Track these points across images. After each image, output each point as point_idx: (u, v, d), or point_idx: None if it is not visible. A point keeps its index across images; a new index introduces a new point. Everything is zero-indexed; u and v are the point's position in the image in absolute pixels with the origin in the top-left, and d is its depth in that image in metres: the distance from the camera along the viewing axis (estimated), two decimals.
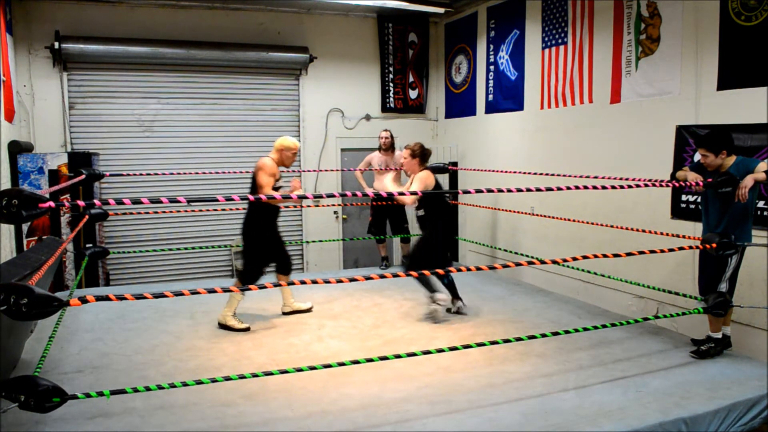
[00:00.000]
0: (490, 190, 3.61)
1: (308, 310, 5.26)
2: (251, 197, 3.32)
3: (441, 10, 8.17)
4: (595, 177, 5.19)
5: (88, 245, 6.11)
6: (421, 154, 5.00)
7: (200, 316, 5.16)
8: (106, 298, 2.78)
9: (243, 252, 4.98)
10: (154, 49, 7.44)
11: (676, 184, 4.14)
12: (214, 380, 3.09)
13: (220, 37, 7.78)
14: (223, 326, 4.82)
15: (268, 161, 4.84)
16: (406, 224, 7.22)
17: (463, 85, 8.48)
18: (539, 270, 6.89)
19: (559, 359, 4.08)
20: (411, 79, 8.98)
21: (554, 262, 3.58)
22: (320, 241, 8.12)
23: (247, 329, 4.78)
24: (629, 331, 4.60)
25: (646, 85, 5.57)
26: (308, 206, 8.20)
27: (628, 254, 3.71)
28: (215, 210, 7.56)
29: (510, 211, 7.02)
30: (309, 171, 8.35)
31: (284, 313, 5.23)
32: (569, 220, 5.91)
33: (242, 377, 3.17)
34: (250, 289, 3.19)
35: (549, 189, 3.66)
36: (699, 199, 4.65)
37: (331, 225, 8.68)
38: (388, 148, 7.16)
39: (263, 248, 4.92)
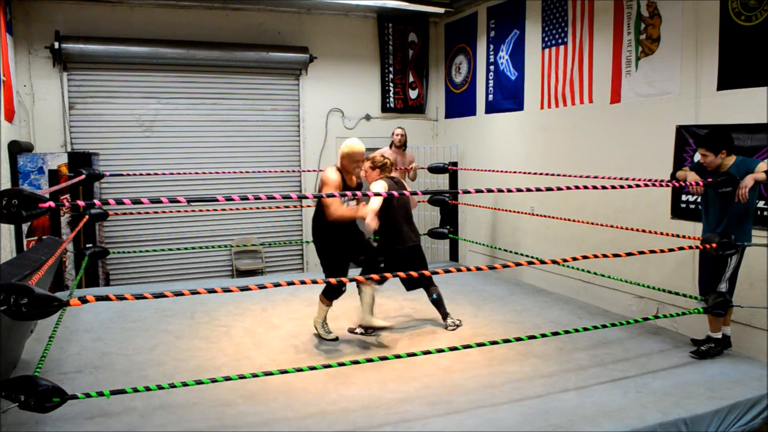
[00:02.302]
0: (490, 190, 3.61)
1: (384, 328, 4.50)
2: (251, 196, 3.28)
3: (441, 10, 8.17)
4: (595, 177, 5.19)
5: (88, 245, 6.11)
6: (381, 166, 4.78)
7: (200, 316, 5.16)
8: (106, 298, 2.78)
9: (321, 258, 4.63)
10: (154, 49, 7.44)
11: (676, 184, 4.14)
12: (214, 380, 3.09)
13: (220, 37, 7.78)
14: (316, 335, 4.60)
15: (330, 173, 4.33)
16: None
17: (463, 85, 8.48)
18: (539, 270, 6.89)
19: (559, 359, 4.08)
20: (411, 79, 8.98)
21: (554, 262, 3.58)
22: None
23: (336, 339, 4.56)
24: (629, 331, 4.60)
25: (646, 85, 5.57)
26: (308, 206, 8.19)
27: (628, 254, 3.71)
28: (215, 210, 7.56)
29: (510, 211, 7.02)
30: (309, 171, 8.35)
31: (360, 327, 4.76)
32: (569, 220, 5.90)
33: (242, 377, 3.17)
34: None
35: (549, 189, 3.66)
36: (699, 199, 4.66)
37: None
38: (401, 145, 7.16)
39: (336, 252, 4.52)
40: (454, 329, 4.78)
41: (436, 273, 3.32)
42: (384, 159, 4.82)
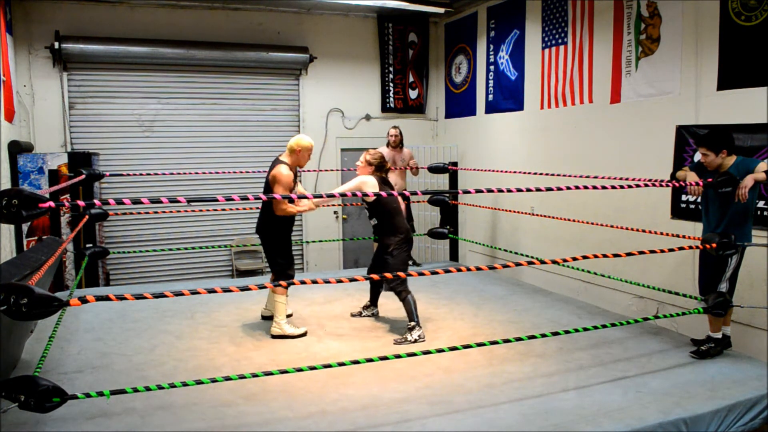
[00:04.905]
0: (490, 190, 3.61)
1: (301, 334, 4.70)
2: (251, 197, 3.30)
3: (441, 10, 8.17)
4: (595, 177, 5.19)
5: (88, 245, 6.10)
6: (378, 166, 4.77)
7: (200, 316, 5.16)
8: (106, 298, 2.78)
9: (269, 257, 4.78)
10: (154, 49, 7.44)
11: (676, 184, 4.15)
12: (214, 380, 3.09)
13: (220, 37, 7.79)
14: (280, 336, 4.60)
15: (284, 170, 4.54)
16: (411, 221, 7.22)
17: (463, 85, 8.48)
18: (539, 270, 6.89)
19: (559, 359, 4.08)
20: (411, 79, 8.98)
21: (554, 262, 3.58)
22: (320, 241, 8.12)
23: (304, 334, 4.65)
24: (629, 331, 4.60)
25: (646, 85, 5.57)
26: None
27: (628, 254, 3.71)
28: (215, 210, 7.56)
29: (510, 211, 7.02)
30: (309, 171, 8.35)
31: (263, 317, 5.05)
32: (569, 220, 5.91)
33: (242, 377, 3.17)
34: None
35: (549, 189, 3.66)
36: (699, 199, 4.66)
37: (331, 225, 8.68)
38: (397, 145, 7.18)
39: (285, 248, 4.77)
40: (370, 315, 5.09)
41: (436, 273, 3.32)
42: (383, 161, 4.82)
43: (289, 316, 4.94)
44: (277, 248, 4.74)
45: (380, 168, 4.79)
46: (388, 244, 4.69)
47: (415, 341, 4.45)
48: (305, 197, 4.10)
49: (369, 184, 4.64)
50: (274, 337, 4.61)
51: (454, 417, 3.24)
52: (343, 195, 3.66)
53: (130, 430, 3.13)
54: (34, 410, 2.69)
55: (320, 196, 3.85)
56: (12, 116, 6.43)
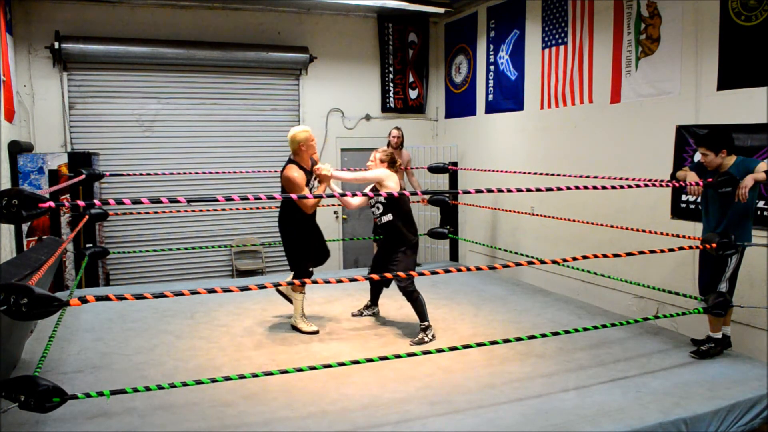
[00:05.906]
0: (490, 190, 3.61)
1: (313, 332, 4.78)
2: (251, 197, 3.28)
3: (441, 10, 8.17)
4: (595, 177, 5.19)
5: (88, 245, 6.10)
6: (391, 162, 4.74)
7: (200, 316, 5.16)
8: (106, 298, 2.78)
9: (286, 250, 4.86)
10: (154, 49, 7.44)
11: (676, 184, 4.15)
12: (214, 380, 3.09)
13: (220, 37, 7.79)
14: (294, 328, 4.81)
15: (294, 173, 4.52)
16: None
17: (463, 85, 8.48)
18: (539, 270, 6.89)
19: (559, 359, 4.08)
20: (411, 79, 8.98)
21: (554, 262, 3.58)
22: None
23: (316, 332, 4.73)
24: (629, 331, 4.60)
25: (646, 85, 5.57)
26: None
27: (628, 254, 3.71)
28: (215, 210, 7.56)
29: (510, 211, 7.02)
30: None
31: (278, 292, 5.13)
32: (569, 220, 5.91)
33: (242, 377, 3.17)
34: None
35: (549, 189, 3.66)
36: (699, 199, 4.66)
37: (331, 225, 8.68)
38: (398, 146, 7.19)
39: (303, 245, 4.77)
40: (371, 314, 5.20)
41: (437, 273, 3.32)
42: (395, 158, 4.81)
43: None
44: (293, 242, 4.77)
45: (392, 164, 4.76)
46: (402, 242, 4.67)
47: (430, 340, 4.49)
48: (320, 196, 4.11)
49: (393, 179, 4.61)
50: (292, 327, 4.83)
51: (454, 417, 3.24)
52: (364, 195, 3.60)
53: (130, 430, 3.13)
54: (34, 410, 2.69)
55: (332, 196, 3.90)
56: (12, 116, 6.43)
